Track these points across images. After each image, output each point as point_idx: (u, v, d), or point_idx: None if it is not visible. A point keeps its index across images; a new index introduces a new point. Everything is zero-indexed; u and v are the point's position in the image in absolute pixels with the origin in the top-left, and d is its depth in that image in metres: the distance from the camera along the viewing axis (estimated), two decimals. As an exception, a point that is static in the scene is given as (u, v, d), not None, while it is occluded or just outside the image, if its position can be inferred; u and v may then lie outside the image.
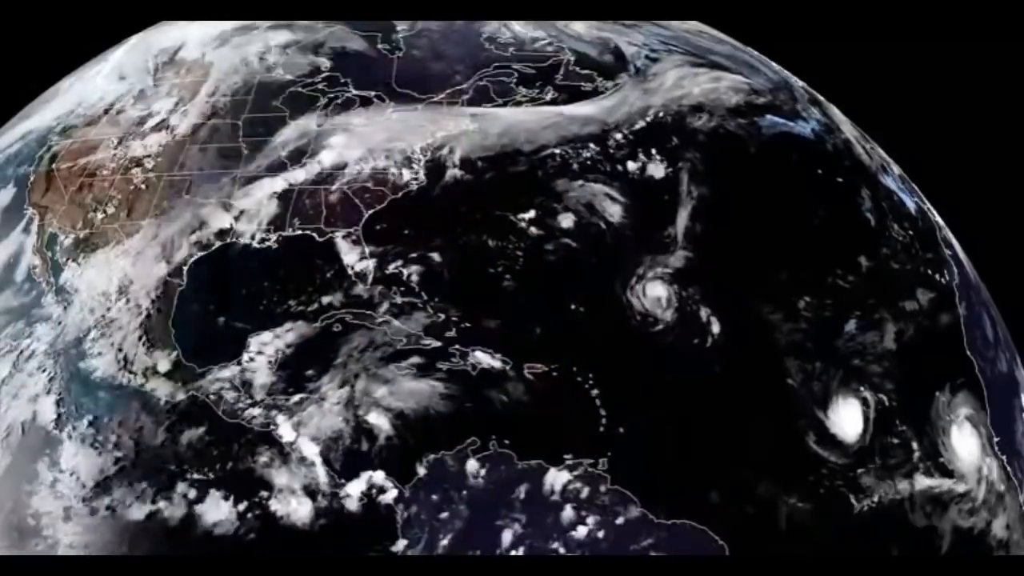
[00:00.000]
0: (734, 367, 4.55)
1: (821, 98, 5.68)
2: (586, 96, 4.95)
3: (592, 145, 4.77)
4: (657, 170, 4.79)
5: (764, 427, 4.55)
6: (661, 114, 4.95)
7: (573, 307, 4.49)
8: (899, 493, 4.71)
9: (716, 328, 4.57)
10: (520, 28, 5.19)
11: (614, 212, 4.65)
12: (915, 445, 4.80)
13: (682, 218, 4.71)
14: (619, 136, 4.83)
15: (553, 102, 4.89)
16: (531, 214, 4.60)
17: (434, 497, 4.30)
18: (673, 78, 5.15)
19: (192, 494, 4.35)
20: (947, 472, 4.86)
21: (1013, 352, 5.60)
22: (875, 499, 4.65)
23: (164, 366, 4.48)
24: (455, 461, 4.32)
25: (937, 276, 5.21)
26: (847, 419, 4.67)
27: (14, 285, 4.81)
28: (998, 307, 5.69)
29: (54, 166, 5.00)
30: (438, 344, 4.40)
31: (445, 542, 4.29)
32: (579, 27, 5.31)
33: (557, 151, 4.73)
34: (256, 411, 4.39)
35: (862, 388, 4.74)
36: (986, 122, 7.77)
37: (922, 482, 4.77)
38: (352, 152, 4.70)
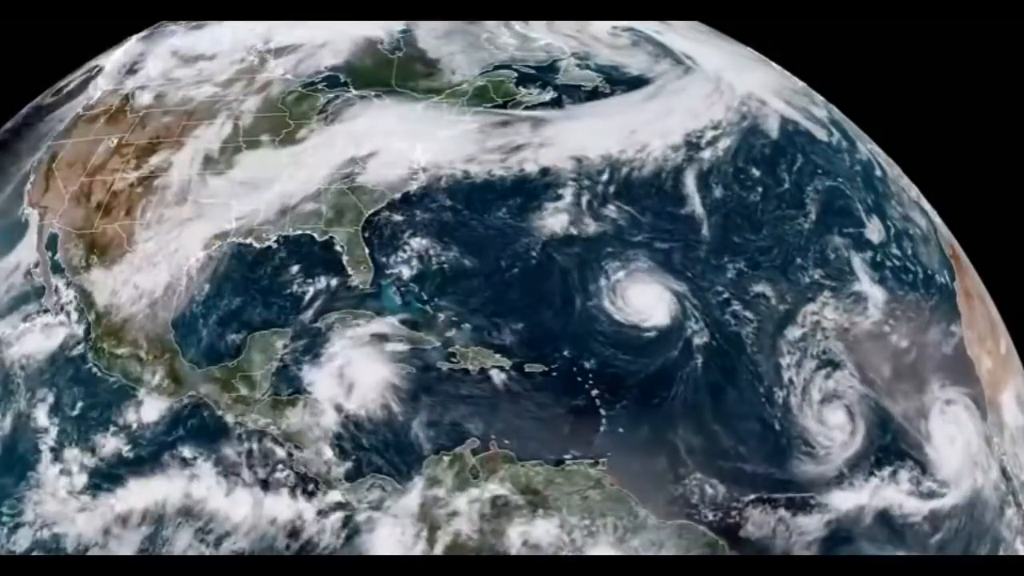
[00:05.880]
0: (732, 366, 4.56)
1: (822, 98, 5.68)
2: (589, 96, 4.95)
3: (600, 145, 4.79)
4: (669, 165, 4.80)
5: (761, 426, 4.55)
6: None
7: (574, 307, 4.50)
8: (893, 494, 4.71)
9: (713, 328, 4.57)
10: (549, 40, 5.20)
11: (618, 211, 4.66)
12: (912, 446, 4.81)
13: (690, 217, 4.72)
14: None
15: (554, 102, 4.90)
16: (533, 213, 4.60)
17: (433, 495, 4.31)
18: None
19: (196, 491, 4.36)
20: (942, 478, 4.85)
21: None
22: (869, 501, 4.65)
23: (166, 366, 4.49)
24: (454, 460, 4.33)
25: (938, 276, 5.21)
26: (836, 420, 4.66)
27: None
28: (998, 307, 5.69)
29: (54, 166, 5.00)
30: (438, 344, 4.41)
31: (446, 540, 4.29)
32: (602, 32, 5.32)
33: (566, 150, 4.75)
34: (256, 410, 4.39)
35: (859, 389, 4.74)
36: (987, 119, 7.78)
37: (916, 483, 4.78)
38: (352, 152, 4.70)
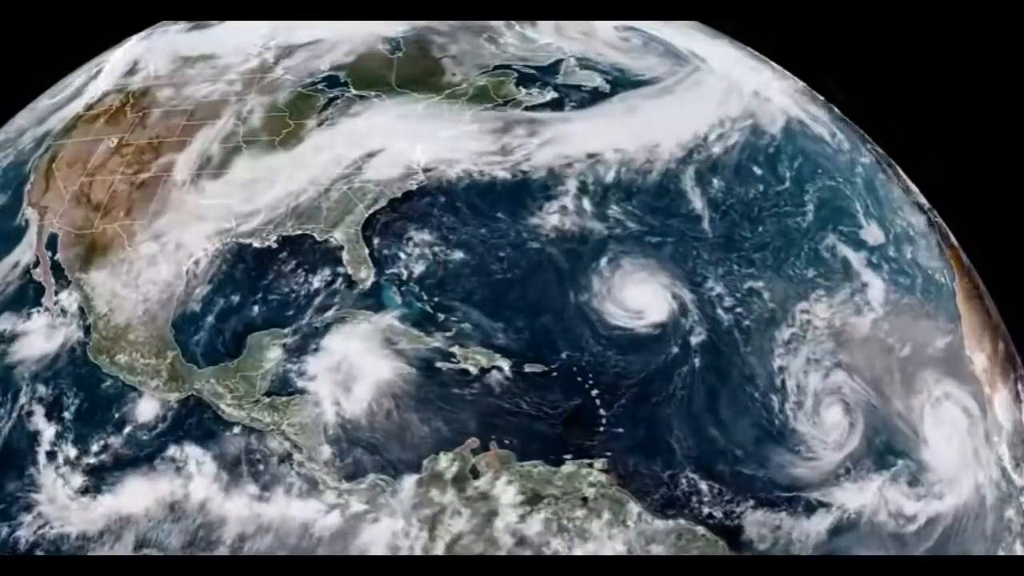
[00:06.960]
0: (727, 364, 4.56)
1: (822, 98, 5.69)
2: (591, 96, 4.96)
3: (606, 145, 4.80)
4: (672, 165, 4.80)
5: (760, 427, 4.55)
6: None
7: (573, 306, 4.50)
8: (892, 494, 4.71)
9: (710, 326, 4.58)
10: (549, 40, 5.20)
11: (618, 210, 4.66)
12: (910, 445, 4.81)
13: (690, 215, 4.72)
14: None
15: (554, 102, 4.90)
16: (533, 212, 4.60)
17: (433, 495, 4.31)
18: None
19: (195, 491, 4.37)
20: (940, 477, 4.85)
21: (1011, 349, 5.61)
22: (868, 500, 4.65)
23: (166, 366, 4.49)
24: (453, 460, 4.33)
25: (938, 276, 5.21)
26: (833, 419, 4.66)
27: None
28: (998, 307, 5.69)
29: (54, 166, 5.00)
30: (438, 344, 4.41)
31: (444, 539, 4.30)
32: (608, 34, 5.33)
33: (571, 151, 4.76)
34: (255, 409, 4.39)
35: (855, 387, 4.74)
36: (987, 119, 7.77)
37: (915, 482, 4.78)
38: (352, 152, 4.70)
